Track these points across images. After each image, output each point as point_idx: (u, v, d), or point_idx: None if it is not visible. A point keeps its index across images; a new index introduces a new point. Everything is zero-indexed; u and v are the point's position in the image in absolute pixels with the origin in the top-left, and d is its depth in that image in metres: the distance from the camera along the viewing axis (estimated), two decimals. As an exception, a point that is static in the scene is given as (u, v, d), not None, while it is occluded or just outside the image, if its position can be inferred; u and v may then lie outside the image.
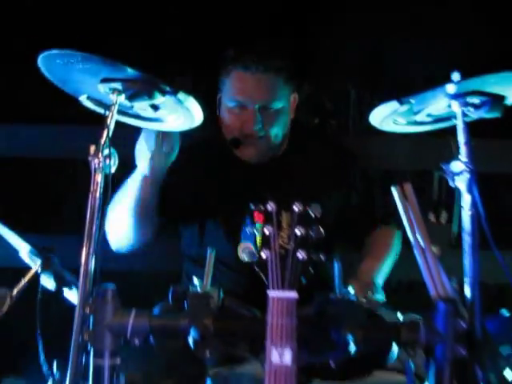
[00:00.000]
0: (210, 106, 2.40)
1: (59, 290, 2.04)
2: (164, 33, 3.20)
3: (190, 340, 1.72)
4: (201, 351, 1.73)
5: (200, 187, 2.55)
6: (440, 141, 2.53)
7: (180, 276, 2.66)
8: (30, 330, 1.96)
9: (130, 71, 1.83)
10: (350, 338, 1.70)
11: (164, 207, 2.44)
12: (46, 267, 2.01)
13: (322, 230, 1.71)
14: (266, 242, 1.68)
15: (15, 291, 1.93)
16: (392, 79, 3.02)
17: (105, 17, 3.15)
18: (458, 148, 1.87)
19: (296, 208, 1.71)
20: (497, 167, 2.89)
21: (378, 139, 3.00)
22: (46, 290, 2.04)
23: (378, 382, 2.08)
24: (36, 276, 1.98)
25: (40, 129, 3.14)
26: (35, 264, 1.99)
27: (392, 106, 1.85)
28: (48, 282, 2.04)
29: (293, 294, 1.63)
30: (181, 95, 1.88)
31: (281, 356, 1.59)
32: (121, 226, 2.37)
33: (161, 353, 2.05)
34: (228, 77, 2.45)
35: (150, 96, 1.85)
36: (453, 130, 1.93)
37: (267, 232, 1.69)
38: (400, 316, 2.02)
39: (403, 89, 1.89)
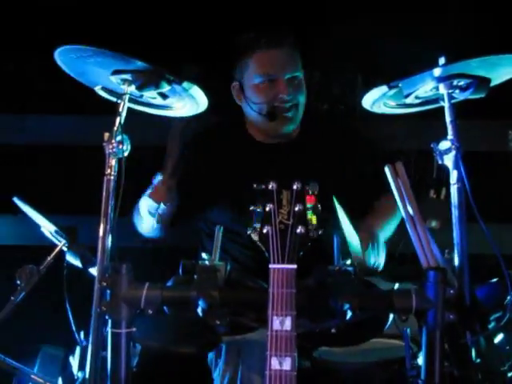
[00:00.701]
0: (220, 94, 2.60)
1: (85, 268, 2.20)
2: (172, 23, 3.33)
3: (199, 310, 1.87)
4: (210, 320, 1.87)
5: (214, 169, 2.73)
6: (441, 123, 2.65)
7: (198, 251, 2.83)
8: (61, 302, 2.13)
9: (139, 63, 1.98)
10: (346, 306, 1.83)
11: (182, 201, 2.62)
12: (70, 247, 2.17)
13: (319, 206, 1.85)
14: (268, 218, 1.82)
15: (42, 267, 2.10)
16: (393, 64, 3.13)
17: (111, 8, 3.29)
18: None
19: (295, 186, 1.85)
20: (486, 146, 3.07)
21: (385, 122, 3.12)
22: (71, 266, 2.22)
23: (378, 347, 2.23)
24: (60, 253, 2.14)
25: (68, 118, 3.37)
26: (60, 242, 2.16)
27: (381, 89, 1.99)
28: (73, 260, 2.21)
29: (292, 266, 1.77)
30: (185, 84, 2.02)
31: (281, 323, 1.73)
32: (144, 228, 2.62)
33: (176, 322, 2.22)
34: (251, 58, 2.63)
35: (158, 86, 2.00)
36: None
37: (268, 209, 1.83)
38: (396, 285, 2.16)
39: (402, 73, 2.01)
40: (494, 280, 2.24)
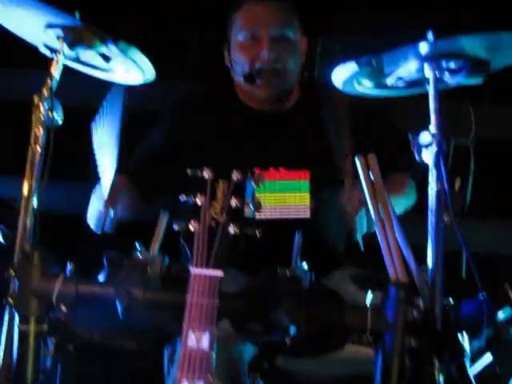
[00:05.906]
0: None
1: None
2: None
3: (119, 311, 1.62)
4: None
5: (198, 139, 2.42)
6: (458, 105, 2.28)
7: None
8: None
9: (73, 18, 1.70)
10: (286, 320, 1.56)
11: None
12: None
13: (260, 201, 1.56)
14: (196, 213, 1.54)
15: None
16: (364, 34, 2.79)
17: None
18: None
19: (234, 177, 1.56)
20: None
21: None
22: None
23: (352, 357, 1.91)
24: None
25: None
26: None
27: (349, 67, 1.64)
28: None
29: (217, 272, 1.49)
30: (122, 45, 1.73)
31: (197, 339, 1.46)
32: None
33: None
34: (238, 12, 2.36)
35: (91, 45, 1.72)
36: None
37: (199, 202, 1.55)
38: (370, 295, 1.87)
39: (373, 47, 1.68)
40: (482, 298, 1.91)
